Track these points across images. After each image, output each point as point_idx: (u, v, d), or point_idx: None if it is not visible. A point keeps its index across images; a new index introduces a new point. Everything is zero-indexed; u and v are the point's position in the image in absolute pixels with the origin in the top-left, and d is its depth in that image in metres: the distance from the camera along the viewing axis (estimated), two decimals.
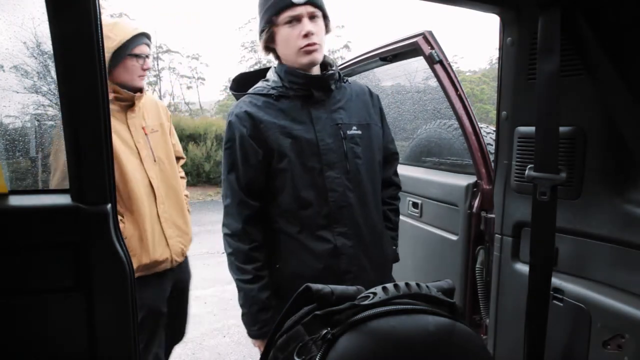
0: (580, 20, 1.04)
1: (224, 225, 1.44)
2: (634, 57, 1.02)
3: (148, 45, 1.84)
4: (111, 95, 1.73)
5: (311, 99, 1.41)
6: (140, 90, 1.85)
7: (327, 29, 1.43)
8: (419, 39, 1.92)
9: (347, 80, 1.52)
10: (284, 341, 0.75)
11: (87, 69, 0.93)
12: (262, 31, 1.42)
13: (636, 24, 1.02)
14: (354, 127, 1.44)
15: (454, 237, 2.02)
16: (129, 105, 1.83)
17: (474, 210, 1.90)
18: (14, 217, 0.99)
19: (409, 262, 2.42)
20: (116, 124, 1.78)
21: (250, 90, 1.46)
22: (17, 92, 1.39)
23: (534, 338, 1.14)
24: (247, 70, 1.56)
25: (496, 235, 1.48)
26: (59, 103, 0.95)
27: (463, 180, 1.99)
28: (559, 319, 1.23)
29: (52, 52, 0.92)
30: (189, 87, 18.93)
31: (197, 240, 5.98)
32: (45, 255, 0.99)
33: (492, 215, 1.67)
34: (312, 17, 1.35)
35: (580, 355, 1.18)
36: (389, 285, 0.74)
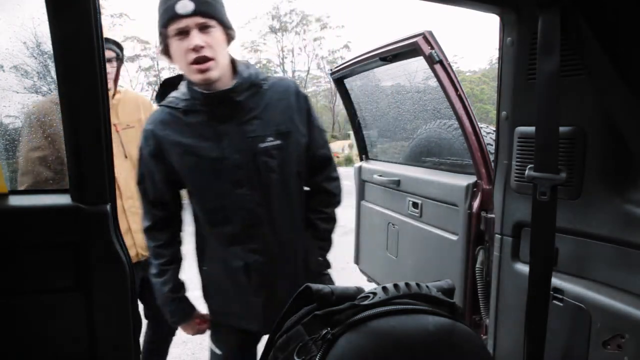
0: (580, 20, 1.04)
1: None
2: (634, 57, 1.02)
3: (109, 49, 1.85)
4: None
5: (217, 113, 1.32)
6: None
7: (229, 38, 1.32)
8: (419, 39, 1.92)
9: (265, 83, 1.38)
10: (284, 341, 0.75)
11: (87, 69, 0.93)
12: (159, 41, 1.32)
13: (636, 24, 1.02)
14: (270, 138, 1.33)
15: (454, 237, 2.02)
16: None
17: (474, 210, 1.90)
18: (14, 217, 0.99)
19: (409, 262, 2.42)
20: None
21: (164, 102, 1.38)
22: (17, 92, 1.39)
23: (534, 338, 1.14)
24: (172, 76, 1.47)
25: (496, 235, 1.48)
26: (59, 103, 0.95)
27: (463, 180, 1.99)
28: (559, 319, 1.23)
29: (52, 52, 0.92)
30: None
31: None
32: (45, 255, 0.99)
33: (492, 215, 1.67)
34: (203, 27, 1.23)
35: (580, 355, 1.18)
36: (389, 285, 0.74)
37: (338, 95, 3.01)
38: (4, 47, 1.23)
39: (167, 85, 1.42)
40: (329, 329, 0.69)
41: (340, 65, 2.82)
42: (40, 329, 1.00)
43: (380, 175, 2.63)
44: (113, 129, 1.89)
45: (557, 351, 1.24)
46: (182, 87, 1.37)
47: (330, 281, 1.57)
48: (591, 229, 1.18)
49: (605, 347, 1.12)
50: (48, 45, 0.94)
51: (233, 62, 1.36)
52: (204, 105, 1.31)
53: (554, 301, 1.24)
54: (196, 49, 1.22)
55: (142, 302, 2.08)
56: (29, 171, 1.68)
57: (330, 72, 3.04)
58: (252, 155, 1.33)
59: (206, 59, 1.24)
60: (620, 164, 1.12)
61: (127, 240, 1.88)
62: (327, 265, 1.56)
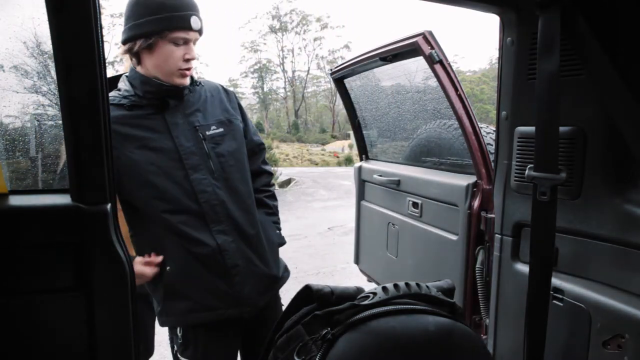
0: (580, 20, 1.04)
1: None
2: (634, 57, 1.02)
3: None
4: None
5: (166, 106, 1.43)
6: None
7: None
8: (419, 39, 1.92)
9: (199, 83, 1.54)
10: (284, 341, 0.75)
11: (87, 69, 0.93)
12: (142, 35, 1.36)
13: (636, 24, 1.02)
14: (213, 127, 1.48)
15: (454, 237, 2.02)
16: None
17: (474, 210, 1.90)
18: (14, 217, 0.99)
19: (409, 262, 2.42)
20: None
21: None
22: (17, 92, 1.39)
23: (534, 338, 1.14)
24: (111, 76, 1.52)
25: (496, 235, 1.48)
26: (58, 103, 0.95)
27: (463, 180, 1.99)
28: (559, 319, 1.23)
29: (52, 52, 0.92)
30: None
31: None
32: (45, 255, 0.99)
33: (492, 215, 1.67)
34: (195, 42, 1.42)
35: (580, 355, 1.18)
36: (389, 285, 0.74)
37: (338, 95, 3.01)
38: (4, 47, 1.23)
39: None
40: (329, 328, 0.69)
41: (340, 65, 2.82)
42: (40, 328, 1.00)
43: (380, 175, 2.63)
44: None
45: (557, 351, 1.24)
46: (123, 86, 1.46)
47: (287, 267, 1.68)
48: (591, 229, 1.18)
49: (605, 347, 1.12)
50: (48, 45, 0.94)
51: None
52: (156, 99, 1.42)
53: (554, 301, 1.24)
54: (190, 59, 1.41)
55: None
56: None
57: (330, 72, 3.04)
58: (201, 142, 1.45)
59: (190, 69, 1.44)
60: (620, 164, 1.12)
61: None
62: (284, 239, 1.71)
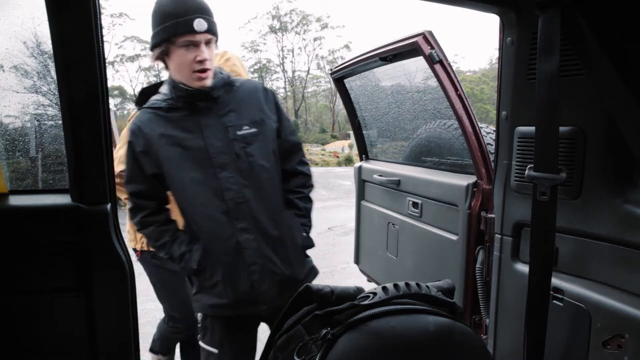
0: (580, 20, 1.04)
1: (134, 223, 1.63)
2: (634, 57, 1.02)
3: None
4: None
5: (197, 108, 1.50)
6: None
7: (216, 47, 1.52)
8: (419, 39, 1.92)
9: (237, 83, 1.58)
10: (284, 341, 0.75)
11: (87, 69, 0.93)
12: (157, 44, 1.46)
13: (636, 24, 1.02)
14: (246, 127, 1.52)
15: (454, 237, 2.02)
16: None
17: (474, 210, 1.90)
18: (14, 217, 0.99)
19: (409, 262, 2.42)
20: None
21: (146, 105, 1.55)
22: (17, 92, 1.39)
23: (534, 338, 1.14)
24: (151, 84, 1.68)
25: (496, 235, 1.48)
26: (58, 103, 0.95)
27: (463, 180, 1.99)
28: (559, 319, 1.23)
29: (52, 52, 0.92)
30: None
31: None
32: (46, 255, 0.99)
33: (492, 215, 1.67)
34: (207, 43, 1.44)
35: (580, 355, 1.18)
36: (389, 285, 0.74)
37: (338, 95, 3.01)
38: (4, 47, 1.23)
39: (146, 93, 1.60)
40: (329, 328, 0.69)
41: (340, 65, 2.82)
42: (40, 328, 1.00)
43: (380, 175, 2.63)
44: None
45: (557, 351, 1.24)
46: (163, 90, 1.55)
47: (311, 261, 1.71)
48: (591, 229, 1.18)
49: (605, 347, 1.12)
50: (48, 45, 0.94)
51: None
52: (187, 102, 1.49)
53: (554, 301, 1.24)
54: (202, 61, 1.43)
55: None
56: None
57: (330, 72, 3.04)
58: (231, 142, 1.50)
59: (206, 70, 1.45)
60: (620, 164, 1.12)
61: None
62: (312, 242, 1.70)
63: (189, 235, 1.57)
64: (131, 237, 2.23)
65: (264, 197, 1.53)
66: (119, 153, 2.03)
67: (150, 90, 1.61)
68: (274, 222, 1.55)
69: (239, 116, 1.52)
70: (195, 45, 1.42)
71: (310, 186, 1.72)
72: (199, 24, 1.40)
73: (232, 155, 1.50)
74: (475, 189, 1.92)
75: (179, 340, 2.33)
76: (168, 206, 1.63)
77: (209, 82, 1.47)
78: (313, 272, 1.69)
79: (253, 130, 1.52)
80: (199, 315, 1.64)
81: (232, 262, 1.52)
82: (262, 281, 1.53)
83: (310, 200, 1.72)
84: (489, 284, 1.78)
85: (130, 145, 1.52)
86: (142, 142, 1.50)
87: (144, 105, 1.54)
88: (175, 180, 1.52)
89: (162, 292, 2.25)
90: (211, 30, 1.43)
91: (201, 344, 1.64)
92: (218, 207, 1.49)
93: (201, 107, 1.50)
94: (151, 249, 2.11)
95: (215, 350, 1.60)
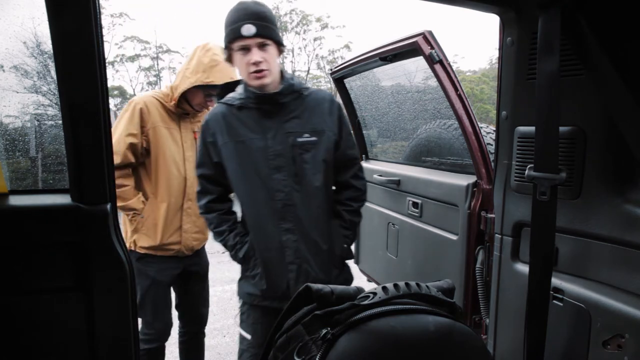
0: (580, 20, 1.04)
1: (198, 207, 1.78)
2: (634, 57, 1.02)
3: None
4: (174, 100, 2.07)
5: (264, 110, 1.61)
6: (198, 111, 2.16)
7: (280, 52, 1.63)
8: (419, 39, 1.92)
9: (307, 91, 1.68)
10: (284, 341, 0.75)
11: (87, 69, 0.93)
12: (224, 50, 1.65)
13: (636, 24, 1.02)
14: (306, 135, 1.61)
15: (454, 237, 2.02)
16: (184, 114, 2.14)
17: (474, 210, 1.90)
18: (14, 217, 0.99)
19: (409, 262, 2.42)
20: (171, 123, 2.11)
21: (222, 100, 1.69)
22: (17, 92, 1.39)
23: (534, 338, 1.14)
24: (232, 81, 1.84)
25: (496, 235, 1.48)
26: (59, 103, 0.95)
27: (463, 180, 1.99)
28: (559, 319, 1.23)
29: (52, 52, 0.92)
30: None
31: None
32: (45, 255, 0.99)
33: (492, 215, 1.67)
34: (261, 45, 1.56)
35: (580, 355, 1.18)
36: (389, 285, 0.74)
37: (338, 95, 3.01)
38: (4, 47, 1.23)
39: (226, 88, 1.77)
40: (329, 328, 0.69)
41: (340, 65, 2.82)
42: (40, 328, 1.00)
43: (380, 175, 2.63)
44: (192, 135, 2.15)
45: (557, 351, 1.24)
46: (239, 89, 1.68)
47: (349, 272, 1.79)
48: (591, 229, 1.18)
49: (605, 347, 1.12)
50: (48, 45, 0.94)
51: (282, 72, 1.66)
52: (255, 104, 1.60)
53: (554, 301, 1.24)
54: (255, 63, 1.55)
55: (176, 294, 2.29)
56: (118, 152, 1.94)
57: (330, 72, 3.04)
58: (290, 147, 1.60)
59: (262, 70, 1.56)
60: (620, 164, 1.12)
61: (176, 237, 2.09)
62: (351, 254, 1.77)
63: (243, 227, 1.70)
64: None
65: (311, 203, 1.62)
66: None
67: (231, 86, 1.76)
68: (317, 228, 1.63)
69: (301, 124, 1.62)
70: (247, 49, 1.55)
71: (361, 201, 1.78)
72: (247, 29, 1.52)
73: (289, 159, 1.59)
74: (475, 189, 1.92)
75: (150, 349, 2.16)
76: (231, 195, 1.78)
77: (266, 80, 1.57)
78: (347, 283, 1.74)
79: (313, 138, 1.61)
80: (239, 302, 1.77)
81: (272, 258, 1.62)
82: (297, 280, 1.61)
83: (358, 215, 1.77)
84: (489, 284, 1.78)
85: (202, 133, 1.68)
86: (210, 133, 1.64)
87: (221, 101, 1.69)
88: (233, 174, 1.63)
89: (140, 296, 2.13)
90: (261, 33, 1.54)
91: (238, 328, 1.77)
92: (267, 206, 1.60)
93: (267, 110, 1.60)
94: (137, 250, 2.09)
95: (248, 337, 1.71)
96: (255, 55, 1.55)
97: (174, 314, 2.29)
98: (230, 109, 1.65)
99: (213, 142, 1.65)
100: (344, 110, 1.74)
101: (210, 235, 2.05)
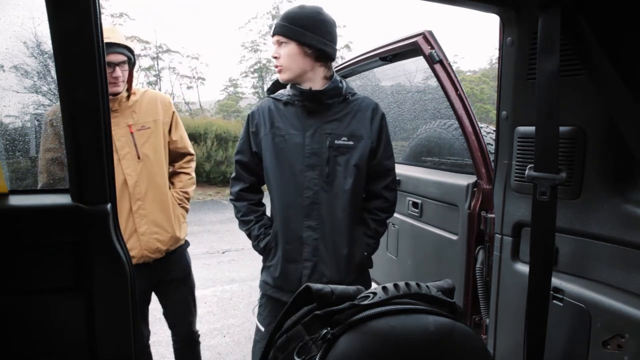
0: (580, 20, 1.04)
1: (230, 193, 1.85)
2: (634, 57, 1.02)
3: (121, 54, 1.86)
4: None
5: (308, 109, 1.65)
6: (115, 94, 1.89)
7: (304, 51, 1.62)
8: (419, 39, 1.92)
9: (353, 96, 1.71)
10: (284, 341, 0.75)
11: (87, 69, 0.93)
12: None
13: (636, 24, 1.02)
14: (344, 138, 1.64)
15: (454, 237, 2.02)
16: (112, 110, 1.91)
17: (474, 210, 1.90)
18: (14, 217, 0.99)
19: (409, 262, 2.42)
20: None
21: (272, 95, 1.76)
22: (17, 92, 1.39)
23: (534, 338, 1.14)
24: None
25: (496, 235, 1.48)
26: (58, 103, 0.95)
27: (463, 180, 1.99)
28: (559, 319, 1.23)
29: (52, 52, 0.92)
30: (189, 87, 19.05)
31: (197, 240, 5.99)
32: (45, 255, 0.99)
33: (492, 215, 1.67)
34: (279, 43, 1.64)
35: (580, 355, 1.18)
36: (389, 285, 0.74)
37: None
38: (4, 47, 1.23)
39: (277, 85, 1.82)
40: (329, 328, 0.69)
41: (340, 65, 2.82)
42: (40, 329, 1.00)
43: None
44: (127, 130, 1.92)
45: (557, 351, 1.24)
46: (289, 86, 1.73)
47: (369, 279, 1.81)
48: (591, 228, 1.18)
49: (605, 347, 1.12)
50: (48, 45, 0.94)
51: (332, 75, 1.71)
52: (300, 100, 1.66)
53: (554, 301, 1.24)
54: (274, 57, 1.66)
55: (160, 304, 2.18)
56: (43, 171, 1.74)
57: None
58: (326, 147, 1.63)
59: (277, 66, 1.66)
60: (620, 164, 1.12)
61: (133, 243, 1.92)
62: (371, 262, 1.77)
63: (270, 220, 1.75)
64: None
65: (336, 205, 1.64)
66: None
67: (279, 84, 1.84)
68: (339, 231, 1.65)
69: (341, 126, 1.65)
70: (275, 45, 1.66)
71: (389, 212, 1.78)
72: (273, 29, 1.64)
73: (323, 159, 1.63)
74: (475, 189, 1.92)
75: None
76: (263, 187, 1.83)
77: (282, 75, 1.66)
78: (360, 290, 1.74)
79: (350, 143, 1.64)
80: (260, 292, 1.80)
81: (291, 251, 1.66)
82: (310, 278, 1.65)
83: (383, 225, 1.77)
84: (489, 284, 1.78)
85: (247, 124, 1.75)
86: (255, 124, 1.71)
87: (270, 95, 1.76)
88: (268, 165, 1.68)
89: None
90: (278, 32, 1.63)
91: (254, 319, 1.82)
92: (295, 201, 1.64)
93: (310, 109, 1.65)
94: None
95: (262, 329, 1.76)
96: (274, 51, 1.66)
97: (159, 321, 2.24)
98: (277, 103, 1.71)
99: (255, 132, 1.72)
100: (386, 120, 1.75)
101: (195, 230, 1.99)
